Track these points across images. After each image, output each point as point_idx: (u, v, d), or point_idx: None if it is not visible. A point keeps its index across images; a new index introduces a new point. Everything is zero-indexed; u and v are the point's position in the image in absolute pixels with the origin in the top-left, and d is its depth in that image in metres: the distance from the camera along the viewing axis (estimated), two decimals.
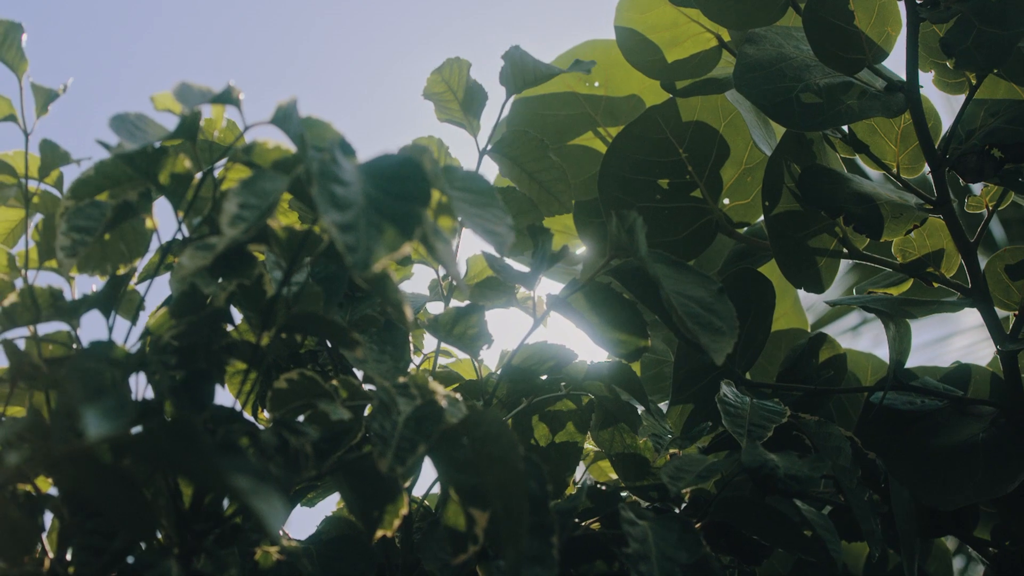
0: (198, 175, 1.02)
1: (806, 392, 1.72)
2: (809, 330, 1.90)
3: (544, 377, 1.33)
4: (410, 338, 1.22)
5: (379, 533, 1.01)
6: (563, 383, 1.33)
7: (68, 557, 0.96)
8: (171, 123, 1.00)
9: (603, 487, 1.30)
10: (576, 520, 1.20)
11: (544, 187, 1.43)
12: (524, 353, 1.30)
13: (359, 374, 1.24)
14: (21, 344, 1.04)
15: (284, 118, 0.95)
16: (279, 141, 1.02)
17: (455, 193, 0.94)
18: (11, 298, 0.97)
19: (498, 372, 1.37)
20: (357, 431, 0.98)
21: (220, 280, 0.93)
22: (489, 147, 1.45)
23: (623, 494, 1.32)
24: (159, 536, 0.96)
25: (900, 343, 1.71)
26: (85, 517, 0.92)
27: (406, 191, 0.87)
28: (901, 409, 1.69)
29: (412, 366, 1.38)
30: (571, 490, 1.37)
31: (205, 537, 0.96)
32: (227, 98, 0.98)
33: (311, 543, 1.11)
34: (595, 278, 1.21)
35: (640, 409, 1.36)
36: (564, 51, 1.84)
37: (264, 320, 0.98)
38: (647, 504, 1.34)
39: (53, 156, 1.19)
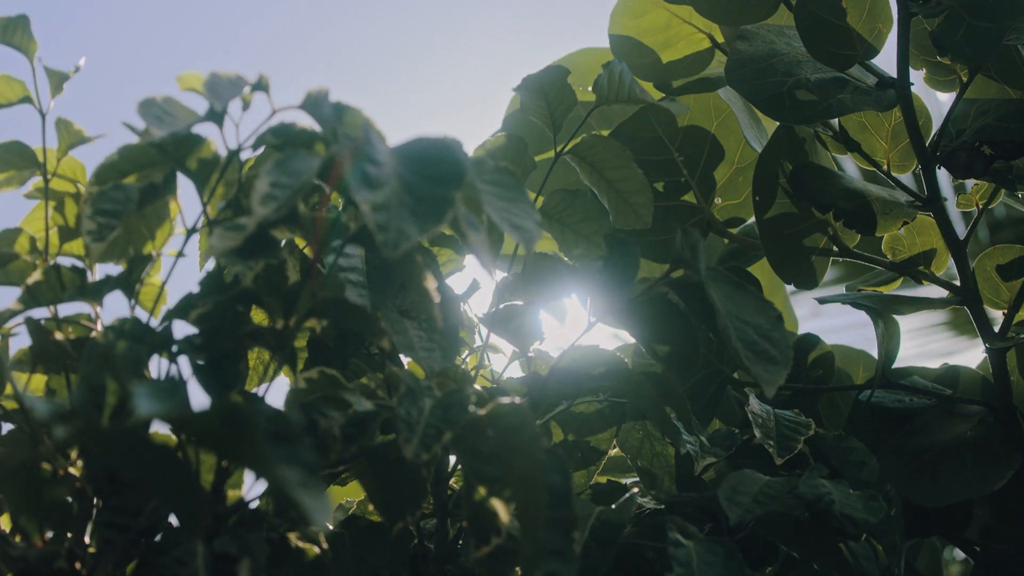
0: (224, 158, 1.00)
1: (795, 391, 1.72)
2: (798, 330, 1.91)
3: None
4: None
5: (400, 524, 1.00)
6: (602, 392, 1.31)
7: (87, 539, 0.94)
8: (194, 102, 0.99)
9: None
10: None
11: (622, 197, 1.40)
12: (573, 356, 1.26)
13: None
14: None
15: (314, 103, 0.94)
16: (308, 124, 1.01)
17: (483, 185, 0.93)
18: (35, 276, 0.95)
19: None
20: (382, 418, 0.97)
21: (248, 262, 0.92)
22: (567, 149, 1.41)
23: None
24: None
25: (888, 341, 1.71)
26: (110, 495, 0.91)
27: (439, 174, 0.87)
28: (890, 407, 1.70)
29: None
30: (585, 494, 1.35)
31: (226, 520, 0.95)
32: (259, 87, 0.97)
33: (344, 529, 1.09)
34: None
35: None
36: (558, 59, 1.84)
37: (287, 306, 0.97)
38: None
39: (69, 135, 1.17)
